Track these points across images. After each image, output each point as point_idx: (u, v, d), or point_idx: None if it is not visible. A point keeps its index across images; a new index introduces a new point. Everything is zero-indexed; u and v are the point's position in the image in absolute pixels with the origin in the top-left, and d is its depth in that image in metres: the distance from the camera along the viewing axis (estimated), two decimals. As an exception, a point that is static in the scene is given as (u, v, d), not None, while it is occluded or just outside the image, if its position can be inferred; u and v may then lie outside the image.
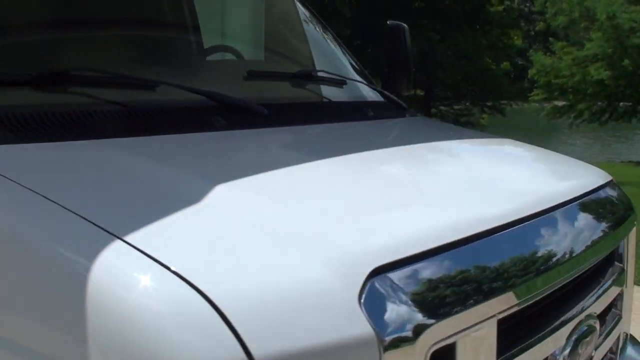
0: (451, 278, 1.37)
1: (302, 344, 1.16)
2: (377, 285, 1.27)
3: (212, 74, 2.58)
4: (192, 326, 1.13)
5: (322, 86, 2.72)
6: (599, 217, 2.12)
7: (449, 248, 1.42)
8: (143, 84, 2.03)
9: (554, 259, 1.68)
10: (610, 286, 2.09)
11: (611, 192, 2.36)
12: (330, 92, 2.72)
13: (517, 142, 2.76)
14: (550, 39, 31.19)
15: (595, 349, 1.96)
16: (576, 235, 1.89)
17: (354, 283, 1.25)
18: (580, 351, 1.81)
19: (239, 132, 1.99)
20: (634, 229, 2.39)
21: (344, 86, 2.91)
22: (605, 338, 2.06)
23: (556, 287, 1.69)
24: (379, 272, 1.29)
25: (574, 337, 1.80)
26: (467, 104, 28.43)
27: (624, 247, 2.25)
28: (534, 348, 1.60)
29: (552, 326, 1.68)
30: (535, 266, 1.60)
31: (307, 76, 2.63)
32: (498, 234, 1.57)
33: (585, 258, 1.85)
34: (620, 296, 2.24)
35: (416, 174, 1.89)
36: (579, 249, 1.83)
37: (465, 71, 24.57)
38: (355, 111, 2.60)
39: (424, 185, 1.79)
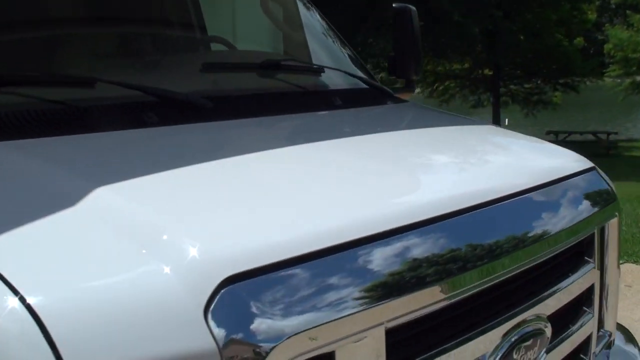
0: (319, 285, 1.27)
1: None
2: (229, 295, 1.19)
3: (181, 67, 2.51)
4: (17, 343, 1.09)
5: (294, 75, 2.62)
6: (558, 208, 1.96)
7: (328, 252, 1.32)
8: (78, 82, 2.00)
9: (473, 260, 1.55)
10: (571, 283, 1.93)
11: (587, 181, 2.19)
12: (303, 81, 2.61)
13: (498, 129, 2.60)
14: (628, 11, 29.88)
15: (547, 352, 1.82)
16: (517, 230, 1.74)
17: (202, 293, 1.18)
18: (516, 357, 1.67)
19: (168, 128, 1.93)
20: (615, 219, 2.21)
21: (322, 74, 2.80)
22: (564, 340, 1.91)
23: (475, 291, 1.56)
24: (234, 280, 1.21)
25: (511, 340, 1.67)
26: (539, 82, 27.51)
27: (597, 239, 2.07)
28: (443, 357, 1.48)
29: (469, 334, 1.55)
30: (443, 268, 1.47)
31: (273, 65, 2.54)
32: (403, 234, 1.45)
33: (523, 255, 1.71)
34: (590, 293, 2.07)
35: (341, 169, 1.77)
36: (514, 245, 1.68)
37: (534, 48, 23.74)
38: (320, 101, 2.50)
39: (341, 181, 1.68)
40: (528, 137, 2.55)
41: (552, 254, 1.86)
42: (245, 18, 3.39)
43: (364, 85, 2.85)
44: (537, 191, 1.93)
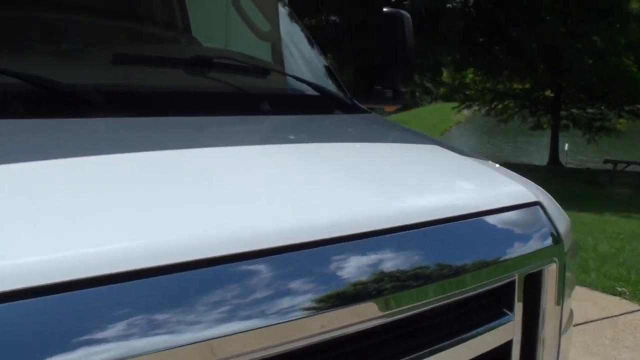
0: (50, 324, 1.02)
1: None
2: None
3: (98, 57, 2.29)
4: None
5: (228, 75, 2.37)
6: (463, 246, 1.65)
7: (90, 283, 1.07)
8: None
9: (318, 302, 1.27)
10: (467, 339, 1.62)
11: (519, 218, 1.87)
12: (238, 82, 2.36)
13: (443, 149, 2.28)
14: None
15: None
16: (393, 269, 1.45)
17: None
18: None
19: (30, 121, 1.71)
20: (553, 265, 1.89)
21: (267, 77, 2.56)
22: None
23: (315, 342, 1.28)
24: None
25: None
26: (603, 107, 26.50)
27: (518, 288, 1.76)
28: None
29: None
30: (230, 319, 1.17)
31: (202, 62, 2.30)
32: (215, 265, 1.19)
33: (391, 302, 1.42)
34: (505, 351, 1.75)
35: (197, 183, 1.52)
36: (379, 288, 1.39)
37: (599, 72, 22.82)
38: (243, 104, 2.24)
39: (184, 197, 1.41)
40: (475, 160, 2.24)
41: (445, 302, 1.57)
42: (212, 11, 3.16)
43: (314, 92, 2.58)
44: (444, 224, 1.64)
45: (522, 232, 1.84)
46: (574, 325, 5.22)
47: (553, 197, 2.22)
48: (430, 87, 32.45)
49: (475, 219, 1.74)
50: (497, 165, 2.43)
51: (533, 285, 1.85)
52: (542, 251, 1.85)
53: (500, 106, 27.04)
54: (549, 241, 1.90)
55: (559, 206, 2.24)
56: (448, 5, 17.50)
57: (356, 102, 2.88)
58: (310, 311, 1.27)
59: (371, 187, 1.73)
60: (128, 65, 2.19)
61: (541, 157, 28.29)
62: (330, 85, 2.87)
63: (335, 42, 19.89)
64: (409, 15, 3.34)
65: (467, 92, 26.71)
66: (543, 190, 2.27)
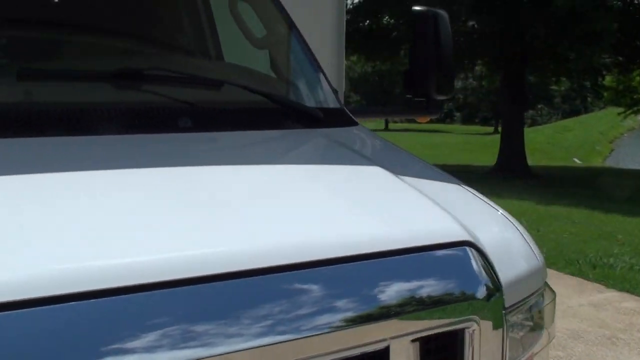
0: None
1: None
2: None
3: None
4: None
5: (159, 88, 2.07)
6: (326, 300, 1.25)
7: None
8: None
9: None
10: None
11: (427, 263, 1.43)
12: (167, 95, 2.06)
13: (386, 176, 1.83)
14: None
15: None
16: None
17: None
18: None
19: None
20: (474, 326, 1.42)
21: (222, 89, 2.24)
22: None
23: None
24: None
25: None
26: None
27: (395, 355, 1.31)
28: None
29: None
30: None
31: (123, 75, 2.03)
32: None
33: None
34: None
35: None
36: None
37: None
38: (158, 121, 1.94)
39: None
40: (415, 189, 1.76)
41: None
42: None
43: (271, 105, 2.23)
44: (323, 267, 1.28)
45: (418, 283, 1.38)
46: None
47: None
48: (596, 90, 30.26)
49: (356, 262, 1.34)
50: (475, 193, 1.96)
51: (443, 351, 1.40)
52: (450, 308, 1.39)
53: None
54: (473, 293, 1.44)
55: (528, 246, 1.74)
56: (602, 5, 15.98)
57: (347, 112, 2.50)
58: None
59: (245, 220, 1.39)
60: (35, 82, 1.99)
61: None
62: (316, 96, 2.52)
63: (485, 48, 18.97)
64: (444, 14, 2.91)
65: (635, 97, 24.44)
66: (510, 225, 1.79)
